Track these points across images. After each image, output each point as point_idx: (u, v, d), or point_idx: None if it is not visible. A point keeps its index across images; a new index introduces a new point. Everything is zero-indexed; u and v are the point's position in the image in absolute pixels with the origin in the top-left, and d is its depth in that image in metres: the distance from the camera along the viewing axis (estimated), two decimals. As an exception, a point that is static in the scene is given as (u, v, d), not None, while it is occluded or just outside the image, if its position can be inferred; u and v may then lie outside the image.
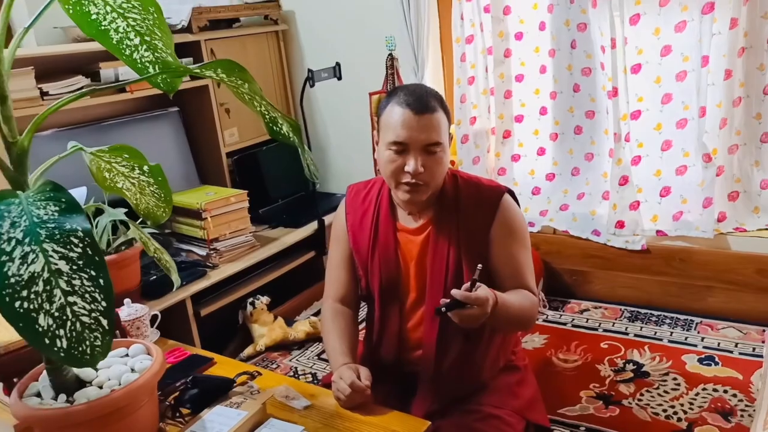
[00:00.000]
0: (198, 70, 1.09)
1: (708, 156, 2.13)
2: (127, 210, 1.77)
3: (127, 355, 1.24)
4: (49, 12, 1.00)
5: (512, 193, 1.61)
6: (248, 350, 2.20)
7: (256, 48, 2.89)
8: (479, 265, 1.29)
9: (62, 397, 1.09)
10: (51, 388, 1.11)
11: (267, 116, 1.16)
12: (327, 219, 2.68)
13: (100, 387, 1.12)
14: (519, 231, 1.56)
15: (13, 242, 0.86)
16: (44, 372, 1.15)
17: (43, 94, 2.05)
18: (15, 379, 1.24)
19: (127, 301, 1.66)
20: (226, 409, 1.28)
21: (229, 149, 2.74)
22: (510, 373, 1.64)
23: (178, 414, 1.34)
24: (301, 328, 2.27)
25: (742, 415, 1.66)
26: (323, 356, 2.20)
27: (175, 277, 1.31)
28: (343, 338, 1.54)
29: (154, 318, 1.75)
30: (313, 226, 2.65)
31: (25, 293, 0.84)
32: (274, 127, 1.18)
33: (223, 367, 1.53)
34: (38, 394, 1.12)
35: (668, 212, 2.27)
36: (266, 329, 2.23)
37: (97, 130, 2.32)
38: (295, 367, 2.12)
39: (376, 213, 1.59)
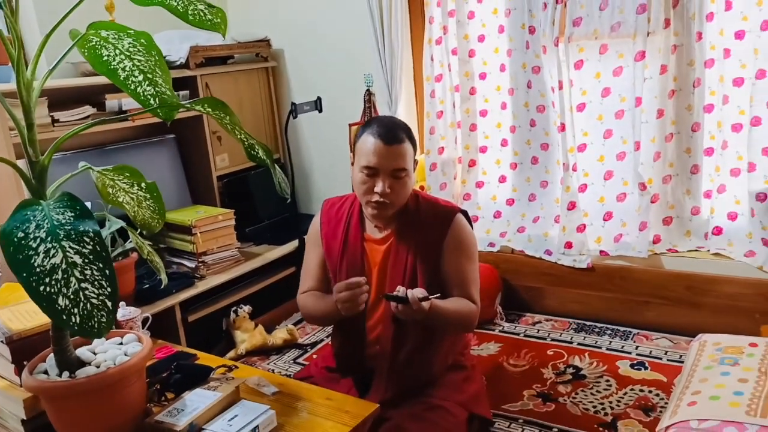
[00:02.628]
0: (189, 105, 1.35)
1: (643, 185, 2.39)
2: (123, 224, 2.02)
3: (121, 343, 1.47)
4: (60, 48, 1.22)
5: (466, 214, 1.85)
6: (230, 354, 2.42)
7: (248, 82, 3.17)
8: (439, 294, 1.57)
9: (66, 374, 1.31)
10: (56, 367, 1.33)
11: (246, 143, 1.41)
12: (306, 237, 2.91)
13: (98, 366, 1.34)
14: (468, 247, 1.80)
15: (38, 240, 1.08)
16: (51, 354, 1.37)
17: (54, 121, 2.31)
18: (24, 362, 1.46)
19: (122, 303, 1.88)
20: (204, 391, 1.48)
21: (220, 173, 3.00)
22: (457, 371, 1.87)
23: (163, 398, 1.55)
24: (280, 335, 2.50)
25: (660, 411, 1.88)
26: (299, 360, 2.42)
27: (163, 276, 1.54)
28: (324, 295, 1.79)
29: (145, 320, 1.97)
30: (294, 244, 2.90)
31: (47, 280, 1.05)
32: (252, 152, 1.42)
33: (205, 362, 1.74)
34: (45, 372, 1.34)
35: (610, 234, 2.52)
36: (247, 335, 2.45)
37: (101, 154, 2.57)
38: (272, 370, 2.34)
39: (347, 224, 1.84)
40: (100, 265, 1.11)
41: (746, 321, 2.22)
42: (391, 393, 1.73)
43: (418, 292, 1.54)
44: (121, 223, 2.04)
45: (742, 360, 1.78)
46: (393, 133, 1.69)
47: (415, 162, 1.78)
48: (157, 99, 1.34)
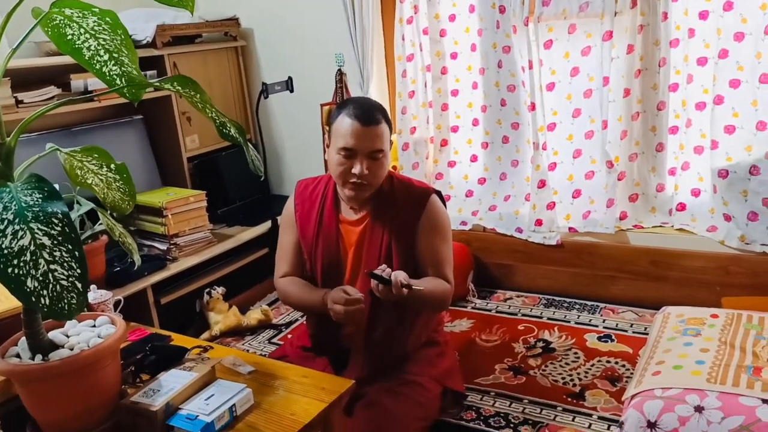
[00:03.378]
0: (159, 84, 1.33)
1: (610, 163, 2.44)
2: (93, 206, 1.99)
3: (94, 325, 1.46)
4: (23, 27, 1.19)
5: (440, 194, 1.88)
6: (204, 335, 2.42)
7: (217, 62, 3.12)
8: (422, 288, 1.57)
9: (39, 357, 1.30)
10: (29, 350, 1.32)
11: (217, 121, 1.40)
12: (280, 219, 2.92)
13: (71, 349, 1.34)
14: (442, 227, 1.83)
15: (5, 222, 1.07)
16: (23, 338, 1.36)
17: (18, 102, 2.25)
18: (-5, 346, 1.44)
19: (93, 287, 1.86)
20: (179, 371, 1.49)
21: (190, 154, 2.97)
22: (431, 347, 1.91)
23: (138, 379, 1.56)
24: (254, 315, 2.50)
25: (626, 381, 1.95)
26: (274, 340, 2.43)
27: (137, 258, 1.53)
28: (309, 286, 1.80)
29: (117, 303, 1.96)
30: (267, 225, 2.90)
31: (15, 262, 1.04)
32: (224, 130, 1.41)
33: (179, 343, 1.74)
34: (17, 356, 1.33)
35: (579, 212, 2.58)
36: (221, 317, 2.45)
37: (67, 135, 2.52)
38: (247, 350, 2.35)
39: (321, 205, 1.85)
40: (69, 247, 1.10)
41: (708, 293, 2.30)
42: (367, 370, 1.76)
43: (402, 276, 1.56)
44: (91, 205, 2.01)
45: (704, 331, 1.86)
46: (370, 114, 1.69)
47: (390, 143, 1.79)
48: (123, 79, 1.33)
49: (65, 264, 1.10)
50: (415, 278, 1.66)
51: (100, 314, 1.48)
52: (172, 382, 1.43)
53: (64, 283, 1.09)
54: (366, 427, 1.62)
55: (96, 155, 1.47)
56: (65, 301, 1.09)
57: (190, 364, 1.54)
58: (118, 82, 1.32)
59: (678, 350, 1.80)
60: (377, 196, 1.78)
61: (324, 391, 1.44)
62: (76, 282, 1.10)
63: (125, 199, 1.56)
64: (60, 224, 1.11)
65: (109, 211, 1.60)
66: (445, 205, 1.87)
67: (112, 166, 1.50)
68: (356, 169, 1.68)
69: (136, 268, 1.64)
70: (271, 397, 1.44)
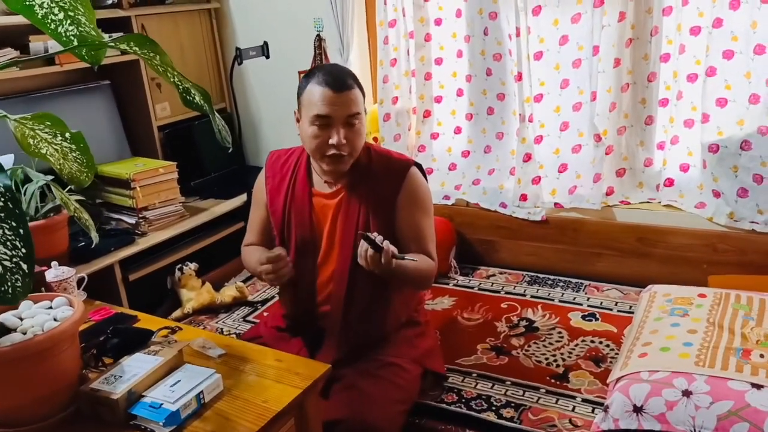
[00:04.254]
0: (113, 44, 1.21)
1: (598, 136, 2.37)
2: (54, 177, 1.87)
3: (50, 307, 1.36)
4: None
5: (420, 167, 1.79)
6: (176, 313, 2.33)
7: (189, 25, 2.96)
8: (416, 260, 1.51)
9: (-12, 342, 1.21)
10: (-23, 335, 1.22)
11: (180, 87, 1.28)
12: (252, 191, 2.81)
13: (24, 333, 1.24)
14: (423, 201, 1.75)
15: (-61, 196, 0.97)
16: (-29, 321, 1.26)
17: (-30, 64, 2.09)
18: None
19: (54, 263, 1.76)
20: (144, 355, 1.40)
21: (161, 123, 2.83)
22: (411, 327, 1.84)
23: (101, 363, 1.47)
24: (228, 292, 2.41)
25: (610, 361, 1.91)
26: (249, 318, 2.35)
27: (94, 234, 1.43)
28: (262, 251, 1.76)
29: (80, 281, 1.85)
30: (242, 198, 2.79)
31: (-50, 241, 0.95)
32: (188, 97, 1.30)
33: (146, 323, 1.65)
34: (-35, 340, 1.23)
35: (565, 187, 2.50)
36: (194, 294, 2.36)
37: (27, 102, 2.37)
38: (221, 329, 2.26)
39: (293, 178, 1.76)
40: (13, 224, 1.00)
41: (694, 271, 2.26)
42: (343, 352, 1.69)
43: (392, 247, 1.48)
44: (46, 179, 1.89)
45: (692, 311, 1.81)
46: (341, 79, 1.60)
47: (365, 111, 1.70)
48: (80, 40, 1.21)
49: (8, 243, 1.00)
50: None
51: (57, 295, 1.38)
52: (136, 367, 1.35)
53: (8, 264, 0.99)
54: (343, 411, 1.55)
55: (48, 123, 1.35)
56: (9, 283, 0.99)
57: (156, 347, 1.45)
58: (75, 42, 1.20)
59: (665, 331, 1.76)
60: (353, 169, 1.70)
61: (299, 376, 1.37)
62: (21, 263, 1.01)
63: (83, 171, 1.45)
64: (2, 199, 1.01)
65: (68, 185, 1.48)
66: (426, 178, 1.79)
67: (67, 134, 1.38)
68: (333, 140, 1.59)
69: (94, 245, 1.53)
70: (242, 382, 1.37)
